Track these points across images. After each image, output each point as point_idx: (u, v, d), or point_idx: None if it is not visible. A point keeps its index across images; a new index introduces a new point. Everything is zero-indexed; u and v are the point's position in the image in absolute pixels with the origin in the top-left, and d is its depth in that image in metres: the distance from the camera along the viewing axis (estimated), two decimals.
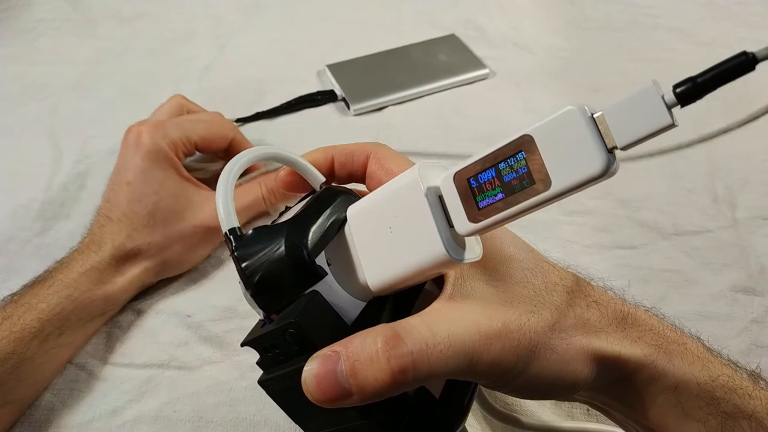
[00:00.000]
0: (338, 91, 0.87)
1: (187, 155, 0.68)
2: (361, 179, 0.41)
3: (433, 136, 0.82)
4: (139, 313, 0.62)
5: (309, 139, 0.81)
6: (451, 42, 0.96)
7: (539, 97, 0.87)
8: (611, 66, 0.92)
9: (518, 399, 0.53)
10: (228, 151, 0.72)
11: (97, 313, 0.59)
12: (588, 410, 0.54)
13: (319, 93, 0.86)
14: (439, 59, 0.92)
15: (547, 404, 0.54)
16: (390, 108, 0.86)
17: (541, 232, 0.68)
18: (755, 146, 0.77)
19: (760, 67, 0.23)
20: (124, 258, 0.60)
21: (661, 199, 0.72)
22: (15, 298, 0.56)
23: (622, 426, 0.40)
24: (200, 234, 0.64)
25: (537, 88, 0.89)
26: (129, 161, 0.63)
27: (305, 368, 0.31)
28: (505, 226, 0.30)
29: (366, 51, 0.94)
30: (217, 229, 0.62)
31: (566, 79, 0.90)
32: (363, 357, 0.30)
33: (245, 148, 0.73)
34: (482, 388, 0.48)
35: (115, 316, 0.61)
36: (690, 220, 0.70)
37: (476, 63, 0.91)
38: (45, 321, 0.54)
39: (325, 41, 0.99)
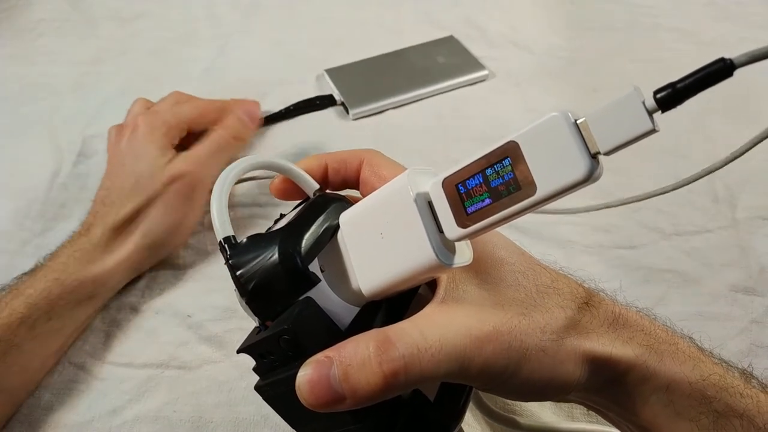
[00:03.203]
0: (337, 96, 0.87)
1: (180, 136, 0.70)
2: (355, 185, 0.41)
3: (433, 138, 0.82)
4: (139, 312, 0.62)
5: (309, 145, 0.81)
6: (450, 43, 0.96)
7: (539, 97, 0.87)
8: (611, 66, 0.92)
9: (516, 401, 0.53)
10: (217, 121, 0.74)
11: (85, 296, 0.59)
12: (588, 411, 0.54)
13: (318, 98, 0.86)
14: (437, 61, 0.92)
15: (547, 405, 0.54)
16: (389, 111, 0.86)
17: (542, 233, 0.68)
18: (755, 147, 0.76)
19: (759, 68, 0.23)
20: (113, 234, 0.62)
21: (661, 199, 0.71)
22: (5, 287, 0.56)
23: (616, 426, 0.40)
24: (175, 189, 0.65)
25: (537, 88, 0.89)
26: (125, 147, 0.66)
27: (299, 374, 0.31)
28: (497, 229, 0.30)
29: (366, 51, 0.94)
30: (183, 176, 0.65)
31: (566, 79, 0.90)
32: (355, 362, 0.30)
33: (235, 114, 0.75)
34: (479, 390, 0.48)
35: (114, 315, 0.62)
36: (690, 220, 0.69)
37: (475, 64, 0.91)
38: (32, 305, 0.55)
39: (325, 41, 0.99)
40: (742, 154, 0.30)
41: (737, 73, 0.23)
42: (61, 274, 0.57)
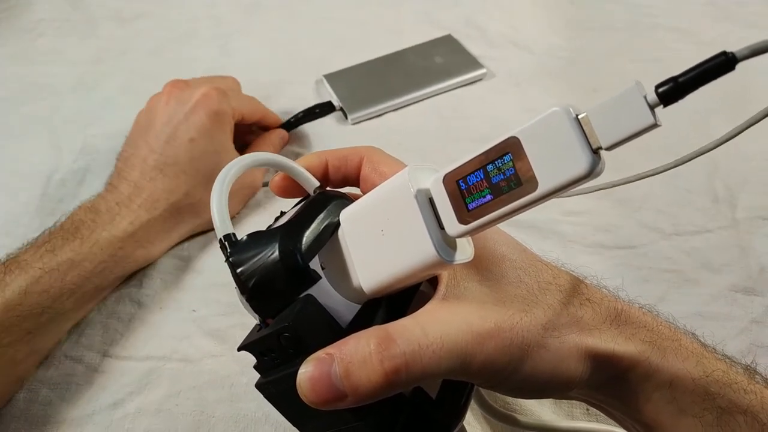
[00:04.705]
0: (335, 102, 0.86)
1: (235, 121, 0.71)
2: (356, 183, 0.41)
3: (433, 140, 0.82)
4: (141, 305, 0.62)
5: (307, 151, 0.81)
6: (447, 43, 0.96)
7: (539, 97, 0.87)
8: (611, 66, 0.92)
9: (517, 398, 0.53)
10: (257, 124, 0.79)
11: (133, 270, 0.62)
12: (588, 409, 0.54)
13: (317, 106, 0.86)
14: (435, 61, 0.92)
15: (547, 404, 0.54)
16: (388, 114, 0.86)
17: (542, 232, 0.68)
18: (755, 146, 0.77)
19: (760, 67, 0.23)
20: (176, 214, 0.63)
21: (661, 199, 0.72)
22: (48, 248, 0.56)
23: (620, 423, 0.40)
24: (244, 193, 0.71)
25: (537, 88, 0.89)
26: (192, 118, 0.65)
27: (300, 371, 0.31)
28: (498, 226, 0.30)
29: (366, 51, 0.94)
30: (254, 189, 0.70)
31: (566, 79, 0.90)
32: (356, 359, 0.30)
33: (278, 135, 0.78)
34: (480, 387, 0.48)
35: (113, 307, 0.62)
36: (690, 220, 0.69)
37: (473, 63, 0.91)
38: (85, 278, 0.56)
39: (325, 41, 0.99)
40: (735, 135, 0.30)
41: (742, 74, 0.23)
42: (119, 251, 0.59)
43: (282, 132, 0.80)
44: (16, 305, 0.52)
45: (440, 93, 0.88)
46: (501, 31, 1.00)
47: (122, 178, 0.63)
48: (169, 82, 0.69)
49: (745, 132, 0.33)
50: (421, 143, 0.81)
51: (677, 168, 0.38)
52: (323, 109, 0.86)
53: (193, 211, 0.65)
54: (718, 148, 0.34)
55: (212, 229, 0.67)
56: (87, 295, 0.58)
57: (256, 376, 0.37)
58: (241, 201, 0.72)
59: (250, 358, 0.36)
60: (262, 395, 0.36)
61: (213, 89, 0.67)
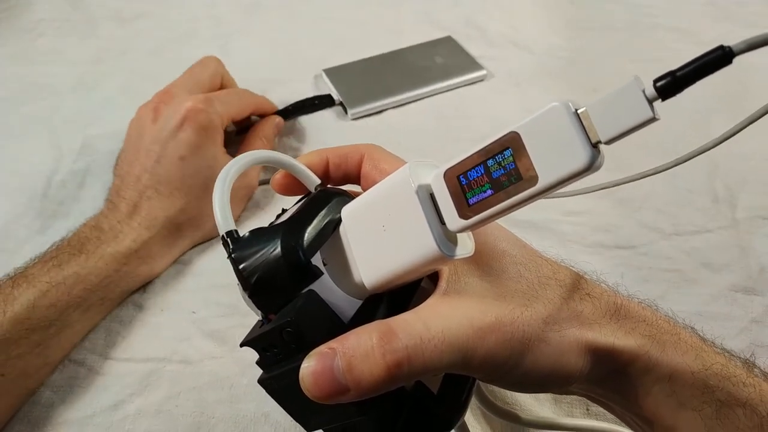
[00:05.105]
0: (335, 96, 0.86)
1: (224, 127, 0.71)
2: (356, 180, 0.41)
3: (433, 138, 0.82)
4: (141, 308, 0.62)
5: (307, 145, 0.82)
6: (448, 44, 0.96)
7: (539, 97, 0.87)
8: (611, 66, 0.92)
9: (518, 396, 0.53)
10: (253, 114, 0.79)
11: (138, 285, 0.62)
12: (588, 409, 0.54)
13: (316, 98, 0.86)
14: (435, 62, 0.92)
15: (547, 404, 0.54)
16: (388, 111, 0.86)
17: (541, 232, 0.68)
18: (755, 146, 0.77)
19: (759, 66, 0.23)
20: (176, 230, 0.64)
21: (661, 199, 0.72)
22: (55, 262, 0.57)
23: (620, 418, 0.40)
24: (242, 194, 0.71)
25: (537, 88, 0.89)
26: (180, 135, 0.65)
27: (302, 366, 0.31)
28: (499, 222, 0.30)
29: (366, 51, 0.94)
30: (251, 189, 0.70)
31: (566, 79, 0.90)
32: (359, 353, 0.30)
33: (272, 124, 0.78)
34: (481, 384, 0.48)
35: (116, 311, 0.62)
36: (690, 220, 0.70)
37: (473, 64, 0.91)
38: (90, 291, 0.57)
39: (325, 41, 1.00)
40: (735, 133, 0.30)
41: (742, 73, 0.23)
42: (123, 266, 0.59)
43: (276, 119, 0.80)
44: (25, 319, 0.53)
45: (440, 92, 0.89)
46: (501, 31, 1.00)
47: (120, 197, 0.63)
48: (156, 94, 0.69)
49: (744, 131, 0.33)
50: (420, 142, 0.81)
51: (677, 167, 0.39)
52: (322, 101, 0.86)
53: (193, 224, 0.65)
54: (718, 147, 0.34)
55: (213, 238, 0.67)
56: (93, 308, 0.58)
57: (255, 376, 0.37)
58: (241, 200, 0.72)
59: (249, 360, 0.36)
60: (263, 393, 0.36)
61: (199, 102, 0.67)
